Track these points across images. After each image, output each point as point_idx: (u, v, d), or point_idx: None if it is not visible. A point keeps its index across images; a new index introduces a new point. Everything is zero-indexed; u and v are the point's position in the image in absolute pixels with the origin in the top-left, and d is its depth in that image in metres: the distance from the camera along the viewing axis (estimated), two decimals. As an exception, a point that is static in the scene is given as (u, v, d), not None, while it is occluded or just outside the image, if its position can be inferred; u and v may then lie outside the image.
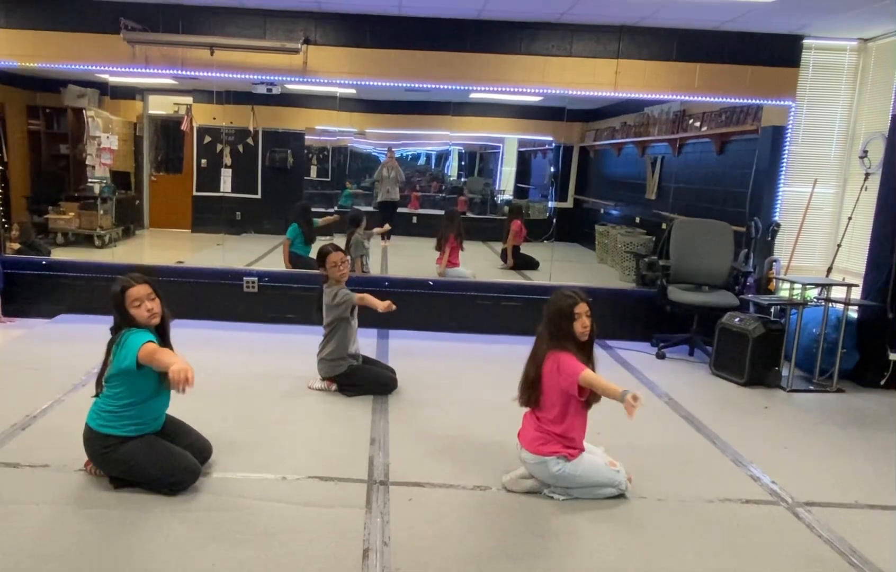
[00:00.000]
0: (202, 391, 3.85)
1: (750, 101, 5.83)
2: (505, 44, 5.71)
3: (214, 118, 7.80)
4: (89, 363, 4.22)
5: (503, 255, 7.80)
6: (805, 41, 5.65)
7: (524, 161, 9.77)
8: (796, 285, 5.19)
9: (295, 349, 5.10)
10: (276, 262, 6.74)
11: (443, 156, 9.97)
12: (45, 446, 3.31)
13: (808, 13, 5.04)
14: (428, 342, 5.62)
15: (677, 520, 2.99)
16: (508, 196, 9.55)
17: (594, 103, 8.21)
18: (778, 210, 5.86)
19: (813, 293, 5.26)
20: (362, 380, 4.31)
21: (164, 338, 3.00)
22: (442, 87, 5.82)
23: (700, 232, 5.73)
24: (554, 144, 9.11)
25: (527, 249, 7.81)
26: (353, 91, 6.83)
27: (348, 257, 4.42)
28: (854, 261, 5.57)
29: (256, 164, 8.26)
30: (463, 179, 9.88)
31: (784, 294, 5.52)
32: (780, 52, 5.66)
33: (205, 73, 5.72)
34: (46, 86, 7.42)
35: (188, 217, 8.44)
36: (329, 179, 9.08)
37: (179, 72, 5.76)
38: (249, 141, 8.07)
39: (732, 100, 5.90)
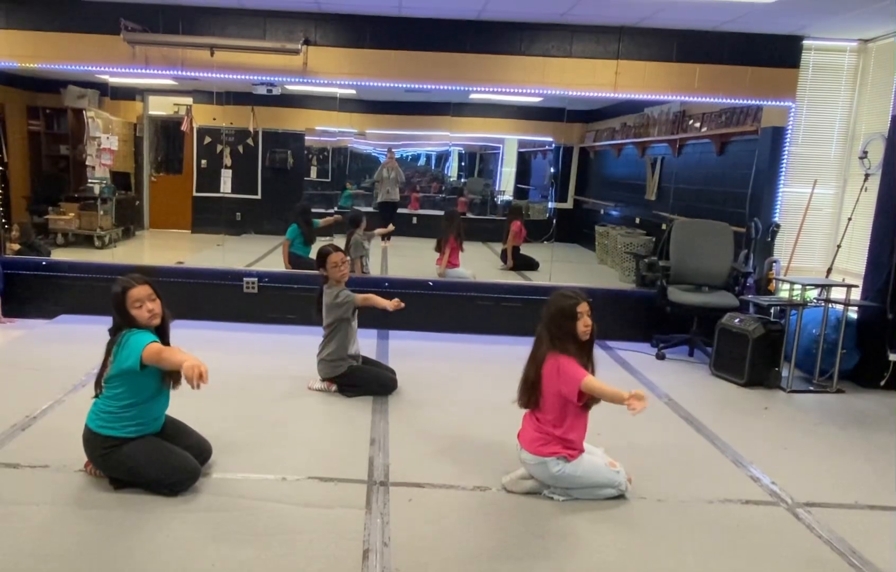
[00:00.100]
0: (202, 391, 3.85)
1: (750, 101, 5.83)
2: (505, 44, 5.71)
3: (214, 119, 7.80)
4: (89, 363, 4.21)
5: (503, 256, 7.80)
6: (805, 42, 5.66)
7: (524, 162, 9.77)
8: (796, 286, 5.19)
9: (295, 350, 5.10)
10: (276, 263, 6.74)
11: (443, 157, 9.97)
12: (45, 446, 3.31)
13: (807, 14, 5.04)
14: (428, 343, 5.63)
15: (677, 521, 2.99)
16: (508, 197, 9.55)
17: (594, 104, 8.21)
18: (778, 211, 5.86)
19: (813, 294, 5.26)
20: (362, 381, 4.31)
21: (164, 339, 2.99)
22: (442, 87, 5.83)
23: (700, 232, 5.73)
24: (554, 145, 9.11)
25: (527, 250, 7.82)
26: (353, 92, 6.83)
27: (348, 258, 4.42)
28: (854, 262, 5.57)
29: (256, 165, 8.26)
30: (463, 180, 9.88)
31: (784, 294, 5.53)
32: (780, 52, 5.67)
33: (205, 74, 5.73)
34: (46, 86, 7.42)
35: (188, 218, 8.44)
36: (329, 180, 9.08)
37: (179, 72, 5.77)
38: (249, 141, 8.07)
39: (732, 100, 5.90)
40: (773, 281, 5.69)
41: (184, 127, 8.11)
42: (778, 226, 5.80)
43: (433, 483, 3.19)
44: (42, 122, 7.56)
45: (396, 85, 5.82)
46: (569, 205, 9.24)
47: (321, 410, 4.09)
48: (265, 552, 2.56)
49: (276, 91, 6.16)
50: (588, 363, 3.05)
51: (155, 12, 5.57)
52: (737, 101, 5.89)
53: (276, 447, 3.48)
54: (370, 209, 8.52)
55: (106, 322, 2.97)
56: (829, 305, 5.01)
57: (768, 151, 5.78)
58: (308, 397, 4.27)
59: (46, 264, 5.97)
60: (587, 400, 3.00)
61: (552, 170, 9.32)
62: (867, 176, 5.43)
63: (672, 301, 5.50)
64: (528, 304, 5.85)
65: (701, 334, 5.58)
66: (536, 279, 7.05)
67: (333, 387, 4.31)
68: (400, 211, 8.75)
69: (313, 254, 6.00)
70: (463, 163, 10.02)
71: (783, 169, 5.82)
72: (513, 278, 7.22)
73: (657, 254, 5.82)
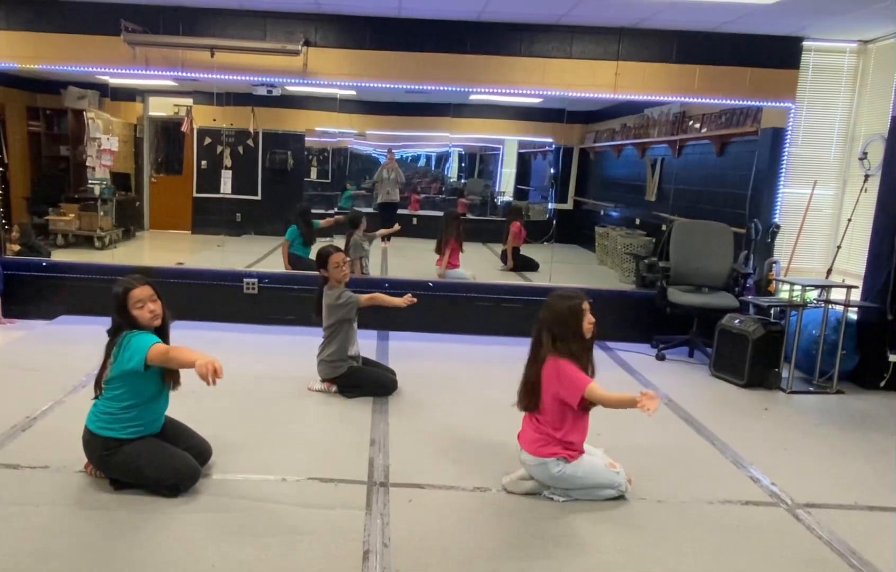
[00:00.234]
0: (202, 392, 3.85)
1: (750, 102, 5.83)
2: (505, 45, 5.71)
3: (214, 120, 7.80)
4: (89, 364, 4.21)
5: (503, 257, 7.81)
6: (805, 43, 5.66)
7: (524, 162, 9.77)
8: (796, 287, 5.19)
9: (295, 350, 5.10)
10: (276, 264, 6.74)
11: (443, 158, 9.97)
12: (46, 447, 3.31)
13: (807, 15, 5.04)
14: (428, 343, 5.63)
15: (677, 522, 2.99)
16: (508, 198, 9.55)
17: (594, 105, 8.21)
18: (778, 211, 5.86)
19: (813, 294, 5.26)
20: (362, 382, 4.31)
21: (164, 340, 2.99)
22: (442, 88, 5.83)
23: (700, 233, 5.73)
24: (554, 146, 9.11)
25: (527, 251, 7.82)
26: (353, 92, 6.83)
27: (348, 258, 4.43)
28: (854, 263, 5.57)
29: (256, 166, 8.27)
30: (463, 181, 9.88)
31: (784, 295, 5.53)
32: (780, 53, 5.67)
33: (205, 75, 5.73)
34: (47, 87, 7.43)
35: (188, 218, 8.45)
36: (329, 181, 9.08)
37: (180, 73, 5.77)
38: (249, 142, 8.07)
39: (732, 101, 5.90)
40: (773, 282, 5.69)
41: (184, 128, 8.11)
42: (778, 226, 5.80)
43: (433, 484, 3.19)
44: (42, 122, 7.56)
45: (396, 86, 5.82)
46: (569, 205, 9.24)
47: (321, 411, 4.09)
48: (265, 552, 2.56)
49: (277, 92, 6.17)
50: (588, 365, 3.05)
51: (155, 13, 5.58)
52: (737, 101, 5.89)
53: (276, 448, 3.49)
54: (370, 210, 8.53)
55: (106, 323, 2.97)
56: (829, 306, 5.01)
57: (768, 152, 5.78)
58: (308, 398, 4.27)
59: (46, 265, 5.97)
60: (586, 403, 3.00)
61: (552, 170, 9.32)
62: (867, 177, 5.43)
63: (672, 302, 5.50)
64: (528, 305, 5.85)
65: (701, 335, 5.58)
66: (536, 280, 7.05)
67: (333, 388, 4.31)
68: (400, 212, 8.75)
69: (313, 255, 6.00)
70: (463, 164, 10.02)
71: (783, 170, 5.82)
72: (513, 279, 7.22)
73: (657, 255, 5.83)
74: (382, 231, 7.18)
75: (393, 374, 4.46)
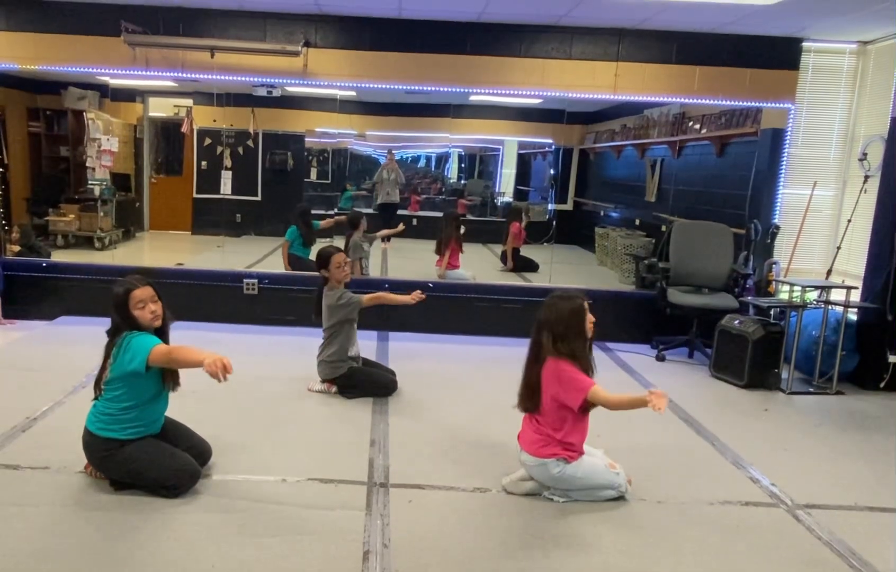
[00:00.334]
0: (202, 393, 3.86)
1: (749, 103, 5.84)
2: (505, 46, 5.72)
3: (215, 120, 7.80)
4: (89, 365, 4.20)
5: (503, 258, 7.81)
6: (804, 44, 5.66)
7: (524, 163, 9.77)
8: (796, 287, 5.20)
9: (295, 351, 5.10)
10: (276, 264, 6.74)
11: (443, 159, 9.96)
12: (46, 448, 3.31)
13: (807, 16, 5.05)
14: (428, 344, 5.63)
15: (677, 522, 2.99)
16: (508, 198, 9.56)
17: (594, 106, 8.21)
18: (777, 212, 5.87)
19: (812, 295, 5.26)
20: (362, 382, 4.31)
21: (164, 341, 2.99)
22: (442, 89, 5.83)
23: (700, 234, 5.74)
24: (554, 147, 9.11)
25: (526, 251, 7.82)
26: (353, 93, 6.83)
27: (349, 259, 4.43)
28: (853, 264, 5.58)
29: (256, 167, 8.27)
30: (463, 181, 9.88)
31: (784, 296, 5.53)
32: (780, 54, 5.67)
33: (205, 76, 5.73)
34: (47, 88, 7.43)
35: (188, 219, 8.45)
36: (329, 181, 9.08)
37: (180, 74, 5.77)
38: (249, 143, 8.08)
39: (732, 102, 5.91)
40: (773, 282, 5.69)
41: (184, 128, 8.12)
42: (777, 227, 5.80)
43: (433, 484, 3.19)
44: (42, 123, 7.56)
45: (396, 86, 5.82)
46: (569, 206, 9.24)
47: (321, 411, 4.09)
48: (265, 553, 2.56)
49: (277, 93, 6.17)
50: (589, 364, 3.05)
51: (155, 14, 5.58)
52: (736, 102, 5.89)
53: (276, 448, 3.49)
54: (370, 210, 8.53)
55: (106, 323, 2.96)
56: (829, 307, 5.01)
57: (768, 153, 5.79)
58: (308, 398, 4.27)
59: (46, 266, 5.97)
60: (587, 405, 2.99)
61: (552, 171, 9.32)
62: (867, 178, 5.44)
63: (672, 302, 5.51)
64: (528, 306, 5.85)
65: (701, 336, 5.58)
66: (536, 281, 7.05)
67: (333, 389, 4.31)
68: (400, 212, 8.75)
69: (313, 256, 6.00)
70: (463, 165, 10.02)
71: (783, 170, 5.82)
72: (513, 280, 7.22)
73: (657, 256, 5.83)
74: (385, 231, 7.18)
75: (393, 375, 4.46)
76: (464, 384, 4.74)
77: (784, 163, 5.81)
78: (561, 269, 6.98)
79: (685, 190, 7.14)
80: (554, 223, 8.53)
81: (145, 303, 2.90)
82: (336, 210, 8.57)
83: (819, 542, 2.89)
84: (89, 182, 7.37)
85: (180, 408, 3.25)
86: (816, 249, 5.99)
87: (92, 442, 2.93)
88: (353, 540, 2.68)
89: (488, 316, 5.99)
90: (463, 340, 5.81)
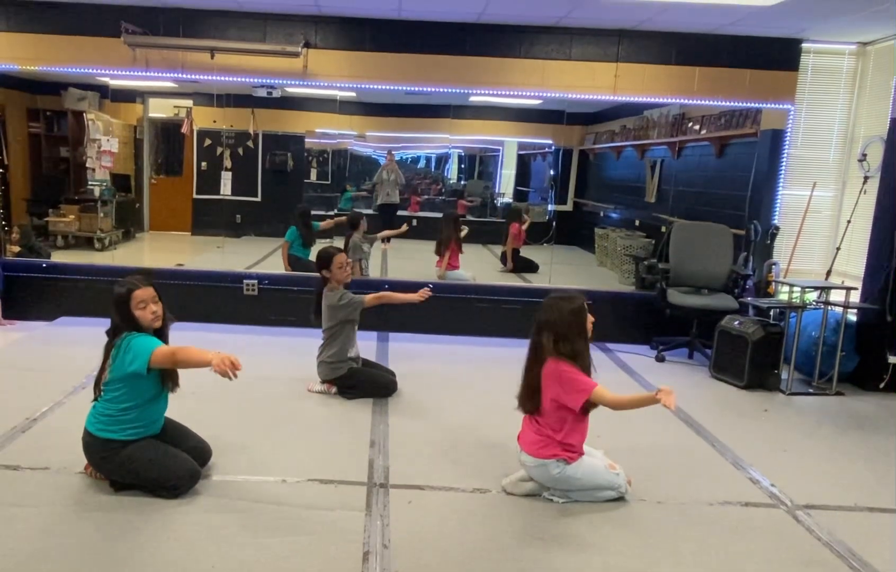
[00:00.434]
0: (202, 393, 3.87)
1: (749, 104, 5.84)
2: (505, 47, 5.72)
3: (215, 121, 7.80)
4: (89, 365, 4.20)
5: (503, 258, 7.81)
6: (804, 45, 5.67)
7: (524, 164, 9.77)
8: (795, 288, 5.20)
9: (294, 351, 5.10)
10: (276, 265, 6.74)
11: (442, 159, 9.96)
12: (46, 448, 3.31)
13: (807, 17, 5.05)
14: (428, 345, 5.63)
15: (677, 523, 2.99)
16: (508, 199, 9.56)
17: (594, 106, 8.21)
18: (777, 213, 5.87)
19: (812, 296, 5.27)
20: (362, 383, 4.31)
21: (163, 342, 3.00)
22: (442, 90, 5.84)
23: (699, 235, 5.74)
24: (553, 147, 9.11)
25: (526, 252, 7.82)
26: (353, 94, 6.83)
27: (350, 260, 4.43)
28: (853, 264, 5.58)
29: (256, 167, 8.27)
30: (463, 182, 9.88)
31: (783, 297, 5.53)
32: (780, 55, 5.68)
33: (205, 77, 5.74)
34: (47, 89, 7.42)
35: (188, 220, 8.45)
36: (329, 182, 9.07)
37: (180, 75, 5.77)
38: (249, 144, 8.08)
39: (732, 103, 5.91)
40: (773, 283, 5.69)
41: (184, 129, 8.11)
42: (777, 228, 5.81)
43: (433, 485, 3.20)
44: (42, 124, 7.56)
45: (396, 87, 5.82)
46: (568, 207, 9.24)
47: (321, 412, 4.09)
48: (265, 553, 2.56)
49: (277, 93, 6.17)
50: (590, 364, 3.05)
51: (155, 15, 5.59)
52: (736, 103, 5.90)
53: (275, 449, 3.49)
54: (370, 211, 8.53)
55: (106, 324, 2.96)
56: (829, 308, 5.02)
57: (767, 154, 5.79)
58: (308, 399, 4.27)
59: (46, 266, 5.98)
60: (588, 406, 2.99)
61: (552, 172, 9.32)
62: (866, 178, 5.44)
63: (672, 303, 5.51)
64: (528, 306, 5.85)
65: (700, 336, 5.58)
66: (536, 281, 7.05)
67: (333, 389, 4.31)
68: (400, 213, 8.75)
69: (312, 257, 6.00)
70: (463, 166, 10.02)
71: (782, 171, 5.82)
72: (512, 280, 7.22)
73: (657, 257, 5.83)
74: (388, 232, 7.19)
75: (393, 375, 4.46)
76: (464, 384, 4.74)
77: (784, 164, 5.81)
78: (561, 270, 6.98)
79: (685, 191, 7.14)
80: (554, 224, 8.53)
81: (147, 304, 2.90)
82: (336, 211, 8.57)
83: (819, 543, 2.89)
84: (89, 183, 7.37)
85: (180, 408, 3.25)
86: (816, 250, 5.99)
87: (92, 443, 2.93)
88: (353, 540, 2.68)
89: (488, 316, 5.99)
90: (463, 341, 5.81)
